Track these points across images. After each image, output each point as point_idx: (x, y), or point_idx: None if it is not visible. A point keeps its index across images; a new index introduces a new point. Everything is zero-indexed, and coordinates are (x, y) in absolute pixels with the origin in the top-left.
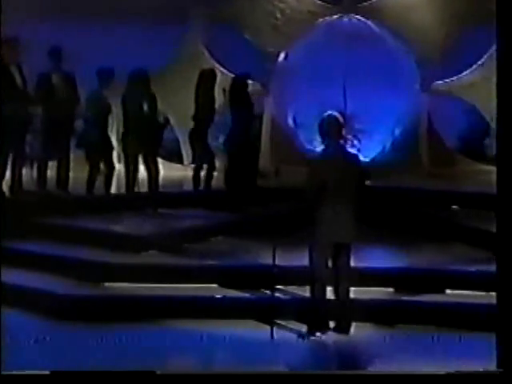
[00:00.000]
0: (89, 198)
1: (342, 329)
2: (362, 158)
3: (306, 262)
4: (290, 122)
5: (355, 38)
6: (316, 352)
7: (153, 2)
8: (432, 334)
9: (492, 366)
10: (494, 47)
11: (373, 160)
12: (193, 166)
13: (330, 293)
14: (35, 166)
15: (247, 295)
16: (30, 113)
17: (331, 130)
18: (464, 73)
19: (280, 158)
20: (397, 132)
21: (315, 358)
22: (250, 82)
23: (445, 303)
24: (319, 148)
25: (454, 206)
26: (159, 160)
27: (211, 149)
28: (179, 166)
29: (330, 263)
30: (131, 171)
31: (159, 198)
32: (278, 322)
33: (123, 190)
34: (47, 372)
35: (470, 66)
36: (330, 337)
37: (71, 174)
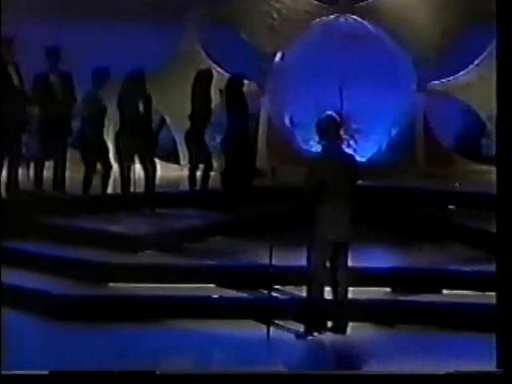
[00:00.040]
0: (86, 198)
1: (339, 329)
2: (358, 158)
3: (303, 261)
4: (287, 121)
5: (352, 38)
6: (313, 352)
7: (149, 2)
8: (431, 334)
9: (492, 366)
10: (490, 47)
11: (369, 160)
12: (189, 166)
13: (326, 293)
14: (32, 165)
15: (244, 295)
16: (27, 113)
17: (329, 131)
18: (460, 73)
19: (277, 158)
20: (393, 132)
21: (312, 358)
22: (246, 81)
23: (444, 303)
24: (316, 148)
25: (450, 206)
26: (156, 160)
27: (208, 149)
28: (176, 166)
29: (327, 263)
30: (127, 171)
31: (156, 198)
32: (276, 321)
33: (120, 190)
34: (47, 372)
35: (467, 66)
36: (327, 337)
37: (68, 174)
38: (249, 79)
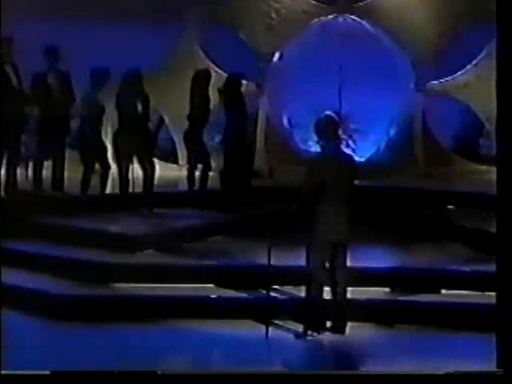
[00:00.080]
0: (84, 198)
1: (338, 329)
2: (356, 158)
3: (301, 261)
4: (285, 122)
5: (350, 39)
6: (312, 352)
7: (148, 3)
8: (431, 334)
9: (492, 366)
10: (488, 47)
11: (368, 160)
12: (188, 166)
13: (325, 293)
14: (30, 165)
15: (243, 295)
16: (26, 112)
17: (328, 131)
18: (458, 73)
19: (275, 158)
20: (392, 132)
21: (311, 358)
22: (244, 82)
23: (444, 303)
24: (314, 148)
25: (449, 206)
26: (155, 160)
27: (207, 149)
28: (174, 165)
29: (326, 263)
30: (126, 171)
31: (155, 197)
32: (275, 321)
33: (119, 190)
34: (47, 372)
35: (465, 66)
36: (326, 337)
37: (66, 174)
38: (247, 79)
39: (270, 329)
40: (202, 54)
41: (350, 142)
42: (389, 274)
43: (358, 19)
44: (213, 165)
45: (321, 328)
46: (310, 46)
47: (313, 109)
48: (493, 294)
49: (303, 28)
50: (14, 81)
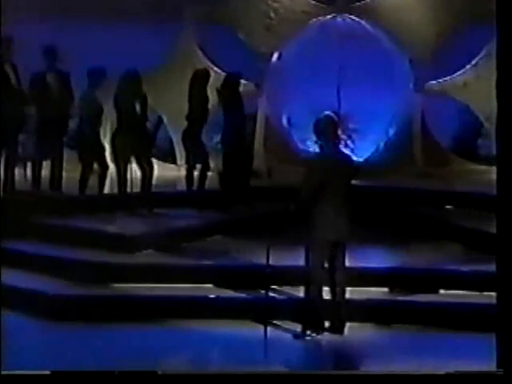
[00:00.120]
0: (83, 198)
1: (337, 329)
2: (355, 158)
3: (300, 261)
4: (284, 121)
5: (349, 38)
6: (311, 352)
7: (147, 2)
8: (431, 334)
9: (492, 366)
10: (487, 47)
11: (366, 160)
12: (186, 165)
13: (324, 293)
14: (28, 165)
15: (242, 295)
16: (24, 112)
17: (327, 131)
18: (457, 73)
19: (274, 158)
20: (390, 132)
21: (310, 358)
22: (243, 82)
23: (443, 303)
24: (313, 148)
25: (447, 206)
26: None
27: (205, 149)
28: (173, 165)
29: (325, 264)
30: (124, 171)
31: (153, 198)
32: (273, 322)
33: (117, 190)
34: (47, 372)
35: (464, 66)
36: (325, 337)
37: (65, 174)
38: (246, 79)
39: (269, 329)
40: (200, 53)
41: (349, 142)
42: (388, 274)
43: (356, 19)
44: (211, 165)
45: (319, 328)
46: (308, 45)
47: (312, 109)
48: (493, 294)
49: (302, 28)
50: (13, 80)
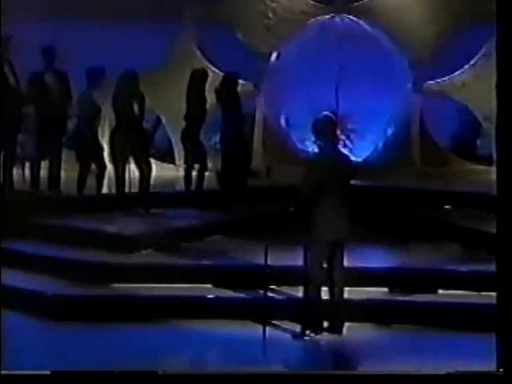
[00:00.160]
0: (81, 198)
1: (335, 329)
2: (353, 158)
3: (299, 261)
4: (283, 122)
5: (347, 38)
6: (309, 352)
7: (146, 2)
8: (431, 334)
9: (492, 366)
10: (485, 47)
11: (365, 160)
12: (185, 165)
13: (323, 293)
14: (27, 165)
15: (241, 295)
16: (23, 112)
17: (326, 131)
18: (456, 73)
19: (272, 158)
20: (389, 132)
21: (309, 358)
22: (242, 82)
23: (443, 303)
24: (311, 148)
25: (446, 206)
26: (152, 160)
27: (204, 148)
28: (171, 165)
29: (324, 264)
30: (122, 171)
31: (152, 197)
32: (272, 322)
33: (115, 190)
34: (47, 372)
35: (462, 66)
36: (324, 337)
37: (63, 174)
38: (244, 79)
39: (268, 329)
40: (199, 53)
41: (348, 142)
42: (387, 274)
43: (355, 19)
44: (210, 165)
45: (318, 328)
46: (307, 46)
47: (310, 109)
48: (492, 293)
49: (301, 28)
50: (12, 80)
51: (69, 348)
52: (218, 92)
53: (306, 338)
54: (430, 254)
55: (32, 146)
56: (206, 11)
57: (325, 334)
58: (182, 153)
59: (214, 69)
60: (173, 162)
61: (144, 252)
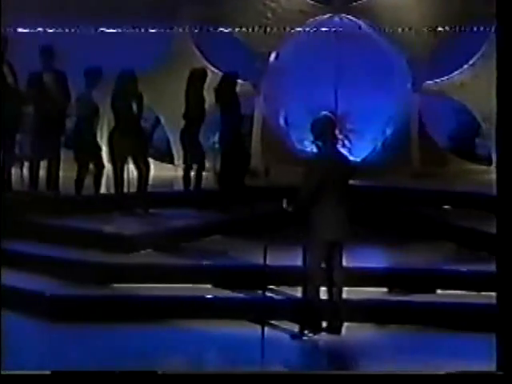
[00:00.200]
0: (80, 198)
1: (334, 329)
2: (352, 158)
3: (297, 261)
4: (281, 121)
5: (346, 38)
6: (308, 352)
7: (144, 2)
8: (431, 334)
9: (492, 367)
10: (484, 47)
11: (364, 160)
12: (184, 166)
13: (321, 293)
14: (25, 165)
15: (239, 295)
16: (21, 112)
17: (325, 131)
18: (455, 73)
19: (271, 158)
20: (388, 132)
21: (307, 358)
22: (240, 81)
23: (443, 303)
24: (310, 148)
25: (445, 206)
26: (150, 160)
27: (202, 149)
28: (170, 165)
29: (322, 264)
30: (121, 171)
31: (150, 197)
32: (271, 322)
33: (114, 190)
34: (47, 372)
35: (461, 65)
36: (322, 337)
37: (62, 174)
38: (243, 79)
39: (266, 329)
40: (197, 53)
41: (347, 142)
42: (385, 274)
43: (354, 19)
44: (208, 165)
45: (317, 328)
46: (306, 45)
47: (309, 109)
48: (492, 294)
49: (299, 28)
50: (10, 80)
51: (68, 348)
52: (216, 92)
53: (305, 338)
54: (429, 254)
55: (30, 145)
56: (204, 11)
57: (323, 334)
58: (181, 153)
59: (212, 69)
60: (171, 161)
61: (143, 252)
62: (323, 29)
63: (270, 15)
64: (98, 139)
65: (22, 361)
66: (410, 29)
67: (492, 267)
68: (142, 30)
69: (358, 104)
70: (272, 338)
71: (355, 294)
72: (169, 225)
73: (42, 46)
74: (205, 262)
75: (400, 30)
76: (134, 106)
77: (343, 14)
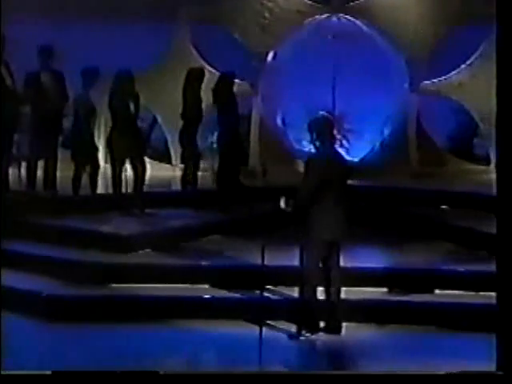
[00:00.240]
0: (77, 198)
1: (333, 329)
2: (349, 158)
3: (295, 261)
4: (279, 121)
5: (344, 38)
6: (307, 352)
7: (142, 2)
8: (431, 334)
9: (492, 367)
10: (482, 47)
11: (362, 160)
12: (181, 165)
13: (319, 293)
14: (23, 165)
15: (237, 295)
16: (19, 112)
17: (323, 131)
18: (453, 72)
19: (269, 158)
20: (386, 132)
21: (305, 358)
22: (238, 81)
23: (443, 303)
24: (308, 148)
25: (443, 206)
26: (147, 160)
27: (198, 149)
28: (168, 165)
29: (320, 264)
30: (119, 171)
31: (147, 197)
32: (268, 322)
33: (111, 190)
34: (47, 372)
35: (459, 65)
36: (320, 337)
37: (59, 174)
38: (241, 79)
39: (264, 329)
40: (195, 53)
41: (344, 142)
42: (384, 274)
43: (352, 19)
44: (206, 165)
45: (314, 328)
46: (303, 45)
47: (307, 109)
48: (491, 294)
49: (297, 28)
50: (8, 80)
51: (68, 348)
52: (214, 92)
53: (302, 338)
54: (427, 254)
55: (28, 145)
56: (202, 11)
57: (322, 334)
58: (179, 153)
59: (210, 68)
60: (169, 162)
61: (141, 252)
62: (321, 29)
63: (267, 15)
64: (96, 139)
65: (22, 361)
66: (407, 29)
67: (491, 267)
68: (140, 30)
69: (355, 104)
70: (269, 338)
71: (354, 294)
72: (167, 225)
73: (39, 46)
74: (203, 262)
75: (398, 29)
76: (131, 106)
77: (341, 14)
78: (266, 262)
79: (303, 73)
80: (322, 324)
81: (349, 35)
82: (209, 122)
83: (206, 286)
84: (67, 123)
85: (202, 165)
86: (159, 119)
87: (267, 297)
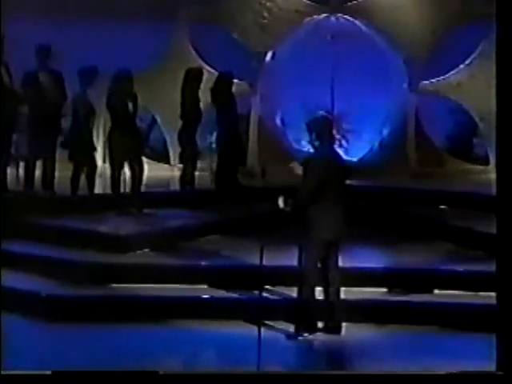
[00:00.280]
0: (75, 198)
1: (333, 329)
2: (348, 158)
3: (294, 262)
4: (278, 121)
5: (343, 38)
6: (304, 352)
7: (141, 2)
8: (431, 334)
9: (492, 367)
10: (480, 47)
11: (361, 160)
12: (180, 165)
13: (318, 293)
14: (21, 165)
15: (235, 295)
16: (17, 112)
17: (322, 131)
18: (451, 72)
19: (268, 158)
20: (385, 132)
21: (304, 358)
22: (237, 81)
23: (443, 303)
24: (307, 148)
25: (442, 206)
26: (145, 160)
27: (196, 149)
28: (166, 165)
29: (318, 264)
30: (118, 171)
31: (146, 197)
32: (267, 322)
33: (109, 190)
34: (47, 372)
35: (457, 65)
36: (318, 337)
37: (57, 174)
38: (240, 79)
39: (262, 329)
40: (194, 53)
41: (343, 142)
42: (383, 274)
43: (350, 19)
44: (204, 164)
45: (312, 328)
46: (302, 45)
47: (306, 108)
48: (491, 294)
49: (296, 27)
50: (6, 80)
51: (67, 348)
52: (212, 92)
53: (301, 338)
54: (426, 254)
55: (26, 145)
56: (201, 11)
57: (320, 334)
58: (177, 153)
59: (209, 68)
60: (168, 162)
61: (139, 252)
62: (319, 28)
63: (266, 15)
64: (94, 139)
65: (23, 360)
66: (406, 28)
67: (490, 267)
68: (139, 30)
69: (354, 104)
70: (268, 338)
71: (353, 294)
72: (165, 225)
73: (38, 46)
74: (201, 262)
75: (396, 29)
76: (130, 106)
77: (339, 14)
78: (264, 262)
79: (302, 73)
80: (320, 324)
81: (347, 35)
82: (208, 122)
83: (205, 286)
84: (66, 123)
85: (200, 165)
86: (158, 119)
87: (266, 297)
